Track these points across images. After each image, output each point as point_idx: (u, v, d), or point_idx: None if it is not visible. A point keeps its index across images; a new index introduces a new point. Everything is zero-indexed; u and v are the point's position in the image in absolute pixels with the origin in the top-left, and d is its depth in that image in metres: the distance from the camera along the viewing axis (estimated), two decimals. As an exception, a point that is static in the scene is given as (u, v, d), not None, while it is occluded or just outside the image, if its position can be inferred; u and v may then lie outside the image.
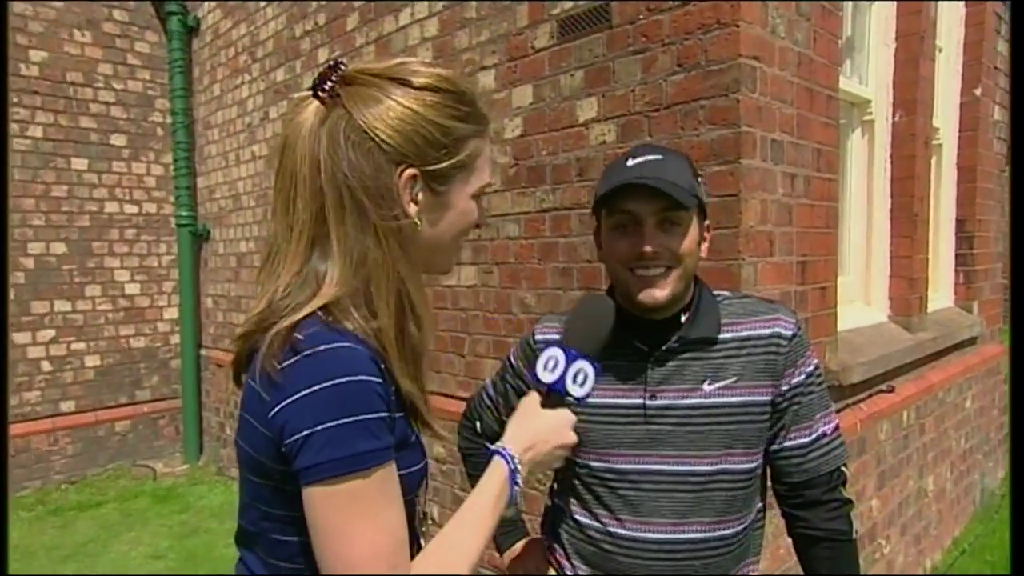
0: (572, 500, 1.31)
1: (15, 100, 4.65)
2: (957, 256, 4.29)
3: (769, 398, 1.20)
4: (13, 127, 4.65)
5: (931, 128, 3.71)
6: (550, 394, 1.07)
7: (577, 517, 1.29)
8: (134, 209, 5.25)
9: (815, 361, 1.27)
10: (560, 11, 2.69)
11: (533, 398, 1.08)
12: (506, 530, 1.48)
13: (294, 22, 4.17)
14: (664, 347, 1.20)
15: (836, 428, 1.27)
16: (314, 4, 3.98)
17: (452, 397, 3.25)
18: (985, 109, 4.38)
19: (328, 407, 0.80)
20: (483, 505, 0.94)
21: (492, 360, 3.05)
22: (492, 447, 1.02)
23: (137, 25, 5.14)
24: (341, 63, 0.91)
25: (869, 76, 3.41)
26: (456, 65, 3.12)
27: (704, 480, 1.19)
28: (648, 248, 1.13)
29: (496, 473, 0.97)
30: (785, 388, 1.21)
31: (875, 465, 3.03)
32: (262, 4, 4.46)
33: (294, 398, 0.80)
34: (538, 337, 1.36)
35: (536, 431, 1.02)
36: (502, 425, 1.42)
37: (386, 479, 0.84)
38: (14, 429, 4.65)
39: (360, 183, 0.86)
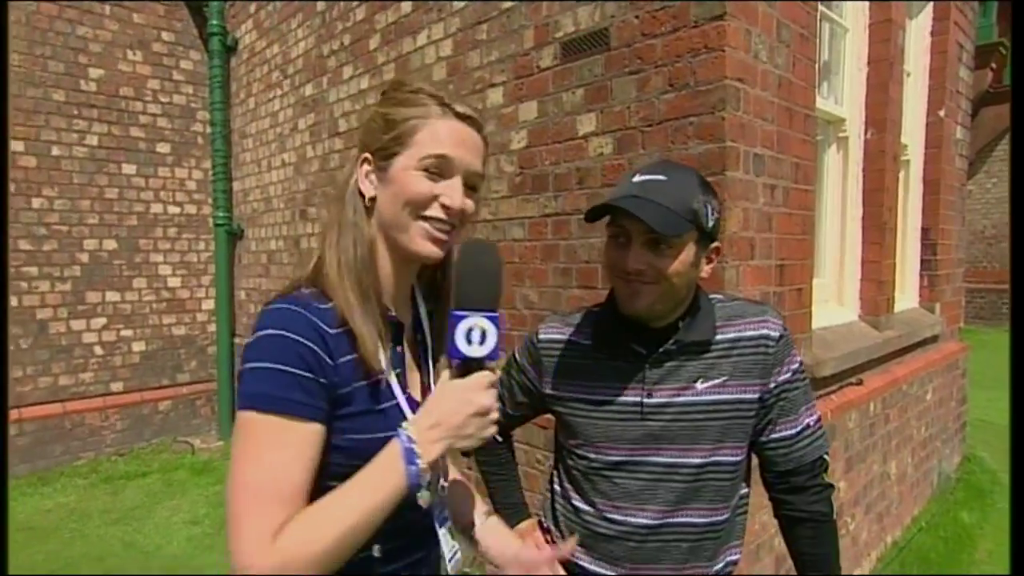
0: (570, 487, 1.29)
1: (75, 112, 4.66)
2: (922, 261, 4.25)
3: (757, 395, 1.18)
4: (72, 136, 4.66)
5: (899, 145, 3.68)
6: (467, 363, 0.90)
7: (574, 503, 1.27)
8: (176, 210, 5.25)
9: (799, 359, 1.25)
10: (563, 34, 2.66)
11: (444, 377, 0.94)
12: (510, 512, 1.44)
13: (322, 42, 4.16)
14: (661, 349, 1.17)
15: (818, 420, 1.25)
16: (340, 26, 3.96)
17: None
18: (948, 129, 4.34)
19: (255, 351, 0.84)
20: (364, 481, 0.85)
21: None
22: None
23: (182, 45, 5.13)
24: None
25: (844, 97, 3.38)
26: (468, 82, 3.11)
27: (696, 471, 1.17)
28: (632, 265, 1.10)
29: (385, 452, 0.87)
30: (772, 385, 1.19)
31: (843, 451, 3.00)
32: (294, 26, 4.45)
33: (246, 343, 0.88)
34: (542, 336, 1.32)
35: (440, 407, 0.89)
36: (508, 418, 1.40)
37: (286, 429, 0.82)
38: (73, 406, 4.68)
39: (339, 178, 0.99)
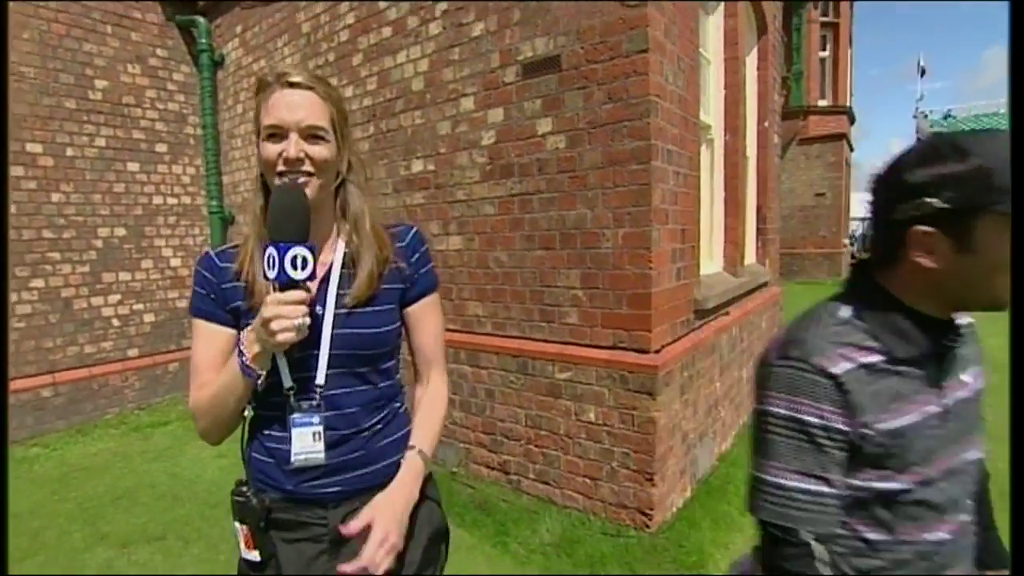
0: (854, 520, 0.79)
1: (85, 118, 4.20)
2: (758, 230, 4.70)
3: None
4: (84, 139, 4.20)
5: (744, 146, 4.05)
6: (281, 287, 0.87)
7: (866, 536, 0.79)
8: (174, 201, 4.86)
9: None
10: (523, 57, 2.73)
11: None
12: None
13: (307, 59, 3.95)
14: (956, 342, 0.81)
15: None
16: (325, 46, 3.78)
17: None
18: (770, 136, 4.80)
19: None
20: (225, 367, 0.95)
21: (475, 302, 3.10)
22: None
23: (175, 60, 4.70)
24: None
25: (711, 110, 3.67)
26: (443, 92, 3.10)
27: (977, 469, 0.85)
28: None
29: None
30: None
31: (719, 360, 3.30)
32: (279, 45, 4.20)
33: None
34: (836, 371, 0.75)
35: (256, 320, 0.90)
36: (838, 501, 0.77)
37: (200, 327, 0.99)
38: (97, 370, 4.31)
39: None
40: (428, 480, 1.06)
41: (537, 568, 2.32)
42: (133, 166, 4.53)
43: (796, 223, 13.20)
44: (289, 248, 0.85)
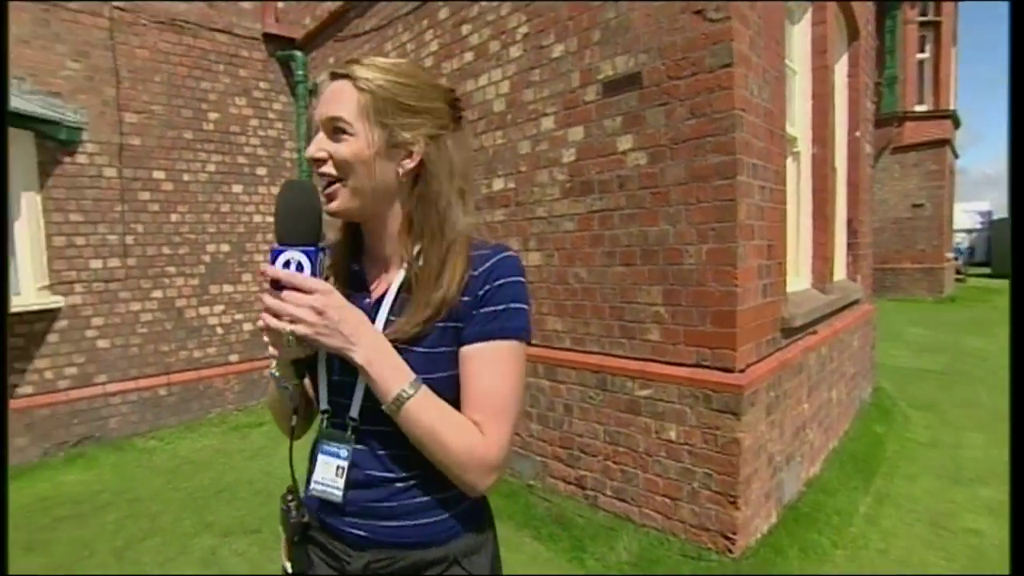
0: None
1: (199, 147, 4.69)
2: (848, 244, 4.45)
3: None
4: (197, 165, 4.68)
5: (833, 157, 3.87)
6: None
7: None
8: (272, 219, 5.29)
9: None
10: (604, 76, 2.77)
11: None
12: None
13: (394, 87, 4.20)
14: None
15: None
16: (410, 74, 4.01)
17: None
18: (862, 145, 4.55)
19: None
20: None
21: (553, 317, 3.13)
22: None
23: (275, 91, 5.15)
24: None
25: (797, 122, 3.55)
26: (523, 112, 3.18)
27: None
28: None
29: None
30: None
31: (807, 381, 3.15)
32: (368, 75, 4.49)
33: None
34: None
35: None
36: None
37: None
38: (203, 373, 4.72)
39: None
40: (481, 549, 0.88)
41: (616, 587, 2.29)
42: (237, 188, 4.97)
43: (889, 236, 12.27)
44: (281, 252, 0.74)
